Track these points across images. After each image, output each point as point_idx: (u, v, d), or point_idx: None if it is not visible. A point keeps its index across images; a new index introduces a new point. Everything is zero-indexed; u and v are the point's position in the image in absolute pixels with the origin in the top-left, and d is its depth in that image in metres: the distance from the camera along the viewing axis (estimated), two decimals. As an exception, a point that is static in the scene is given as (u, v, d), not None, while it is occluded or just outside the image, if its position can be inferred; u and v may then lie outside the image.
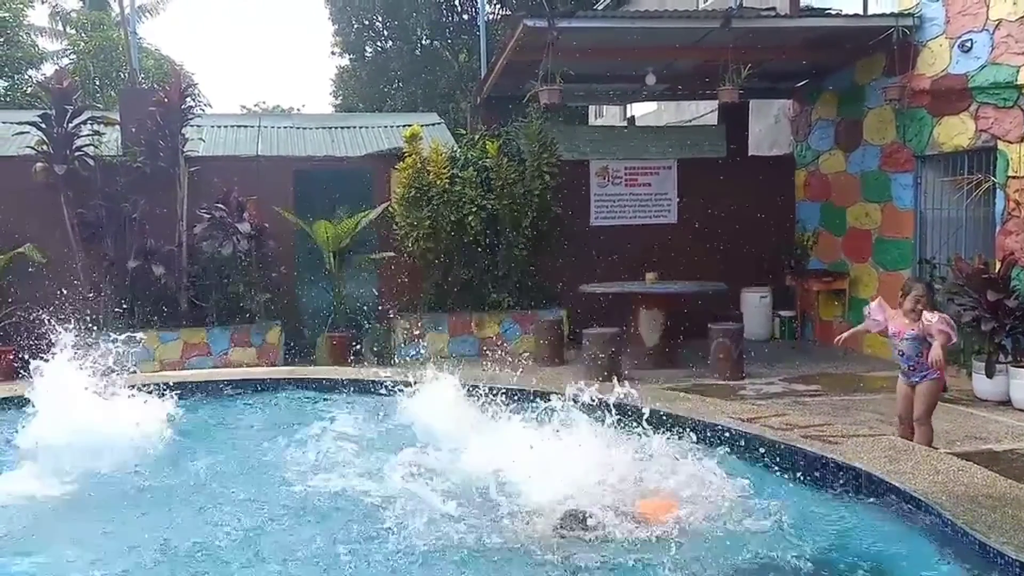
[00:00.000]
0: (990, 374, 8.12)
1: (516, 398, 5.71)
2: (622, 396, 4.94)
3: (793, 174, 12.84)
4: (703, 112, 15.85)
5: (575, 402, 4.79)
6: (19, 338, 10.57)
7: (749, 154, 13.32)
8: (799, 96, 12.77)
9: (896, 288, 10.32)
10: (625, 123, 18.55)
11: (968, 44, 9.17)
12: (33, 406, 5.62)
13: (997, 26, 8.85)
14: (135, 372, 6.93)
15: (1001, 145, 8.86)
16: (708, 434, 5.50)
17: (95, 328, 10.67)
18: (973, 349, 8.60)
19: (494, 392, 5.73)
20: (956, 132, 9.42)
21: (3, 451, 5.63)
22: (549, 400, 4.86)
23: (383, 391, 6.69)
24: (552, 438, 4.64)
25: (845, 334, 6.53)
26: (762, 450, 5.08)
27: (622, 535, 3.98)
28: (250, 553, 3.98)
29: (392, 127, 13.62)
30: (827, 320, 11.88)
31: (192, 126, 11.63)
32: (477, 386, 6.04)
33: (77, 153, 10.73)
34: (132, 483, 5.00)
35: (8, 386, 7.77)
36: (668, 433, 5.04)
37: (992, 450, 6.55)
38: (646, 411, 4.86)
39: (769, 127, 14.15)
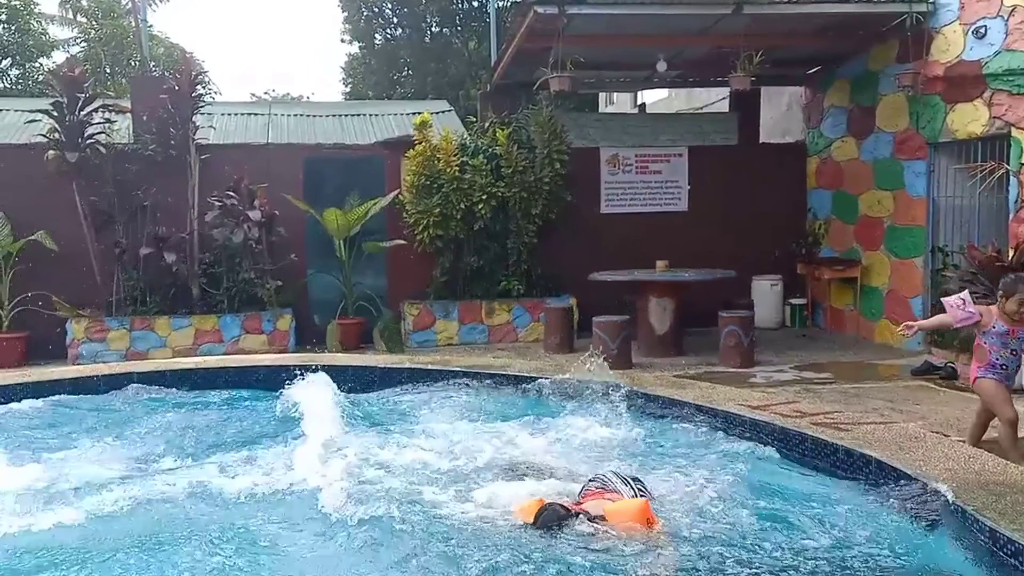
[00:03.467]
0: (1002, 362, 8.07)
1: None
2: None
3: (805, 162, 12.77)
4: (714, 99, 15.77)
5: None
6: (33, 324, 10.73)
7: (761, 141, 13.26)
8: (811, 83, 12.69)
9: (909, 276, 10.38)
10: (636, 110, 18.48)
11: (982, 30, 9.08)
12: None
13: (1012, 12, 8.75)
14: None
15: (1015, 132, 8.78)
16: (718, 421, 5.52)
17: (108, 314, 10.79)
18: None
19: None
20: (970, 119, 9.35)
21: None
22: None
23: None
24: None
25: (922, 324, 6.12)
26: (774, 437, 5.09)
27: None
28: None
29: (402, 115, 13.62)
30: (838, 308, 11.85)
31: (203, 114, 11.65)
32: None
33: (89, 141, 10.77)
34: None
35: (20, 372, 7.85)
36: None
37: (1003, 438, 6.52)
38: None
39: (781, 114, 14.06)
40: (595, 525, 3.87)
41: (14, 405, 6.60)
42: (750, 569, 3.64)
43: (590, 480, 4.26)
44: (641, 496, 4.12)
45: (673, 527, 4.00)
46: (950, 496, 3.80)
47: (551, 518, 3.94)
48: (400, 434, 5.70)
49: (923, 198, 10.22)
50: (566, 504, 4.03)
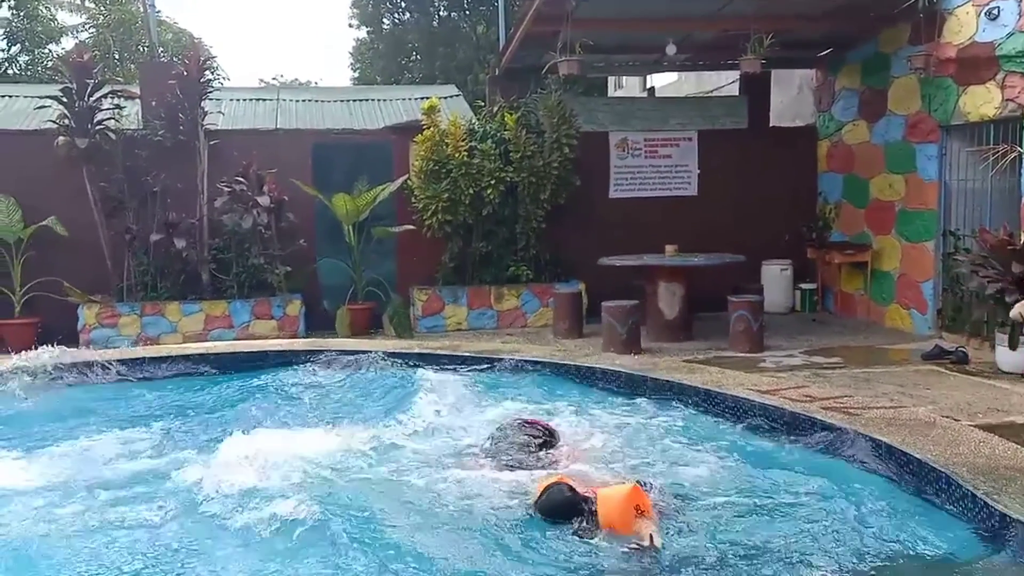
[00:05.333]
0: (1013, 346, 8.03)
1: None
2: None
3: (815, 145, 12.69)
4: (724, 83, 15.67)
5: None
6: (44, 310, 10.79)
7: (771, 125, 13.17)
8: (822, 66, 12.59)
9: (920, 260, 10.32)
10: (645, 94, 18.39)
11: (995, 12, 8.98)
12: None
13: (1026, -8, 8.66)
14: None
15: (1028, 114, 8.70)
16: (727, 406, 5.51)
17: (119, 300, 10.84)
18: (997, 321, 8.52)
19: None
20: (982, 102, 9.26)
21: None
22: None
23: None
24: None
25: None
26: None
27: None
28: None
29: (410, 100, 13.58)
30: (849, 293, 11.80)
31: (211, 99, 11.64)
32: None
33: (98, 127, 10.78)
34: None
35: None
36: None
37: (1014, 422, 6.49)
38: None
39: (792, 97, 13.96)
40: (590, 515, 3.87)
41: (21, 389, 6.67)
42: (756, 554, 3.65)
43: (636, 479, 4.27)
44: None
45: (680, 513, 4.00)
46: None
47: (556, 496, 3.96)
48: (401, 418, 5.77)
49: (935, 181, 10.14)
50: (581, 491, 4.03)
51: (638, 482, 4.09)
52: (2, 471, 4.75)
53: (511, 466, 4.59)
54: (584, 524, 3.84)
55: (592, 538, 3.76)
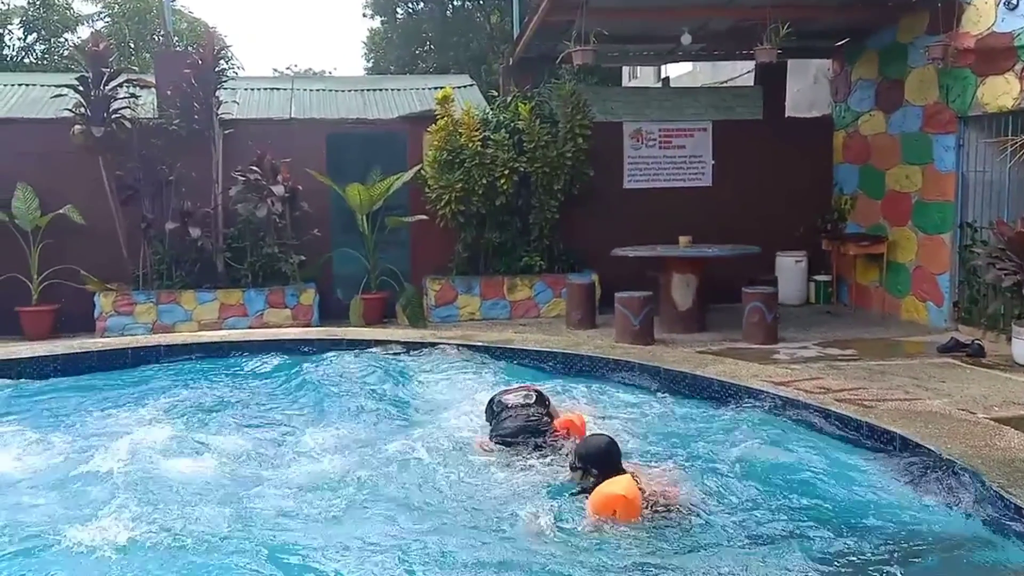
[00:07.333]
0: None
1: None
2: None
3: (831, 136, 12.60)
4: (739, 73, 15.57)
5: None
6: (61, 297, 10.88)
7: (786, 115, 13.08)
8: (839, 55, 12.49)
9: (936, 252, 10.26)
10: (660, 84, 18.29)
11: (1014, 2, 8.88)
12: None
13: (1047, -18, 8.56)
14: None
15: (1048, 105, 8.61)
16: (741, 397, 5.50)
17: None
18: (1013, 314, 8.47)
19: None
20: (1001, 92, 9.18)
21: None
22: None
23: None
24: None
25: None
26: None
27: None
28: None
29: (424, 89, 13.56)
30: (864, 285, 11.74)
31: (226, 89, 11.67)
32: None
33: (114, 116, 10.82)
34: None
35: (50, 344, 7.96)
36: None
37: (1030, 416, 6.46)
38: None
39: (808, 88, 13.86)
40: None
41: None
42: (762, 546, 3.65)
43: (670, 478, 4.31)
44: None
45: (695, 508, 4.00)
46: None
47: (595, 441, 4.18)
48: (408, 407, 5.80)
49: (952, 173, 10.06)
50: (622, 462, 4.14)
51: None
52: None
53: (518, 432, 4.65)
54: (586, 480, 4.00)
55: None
